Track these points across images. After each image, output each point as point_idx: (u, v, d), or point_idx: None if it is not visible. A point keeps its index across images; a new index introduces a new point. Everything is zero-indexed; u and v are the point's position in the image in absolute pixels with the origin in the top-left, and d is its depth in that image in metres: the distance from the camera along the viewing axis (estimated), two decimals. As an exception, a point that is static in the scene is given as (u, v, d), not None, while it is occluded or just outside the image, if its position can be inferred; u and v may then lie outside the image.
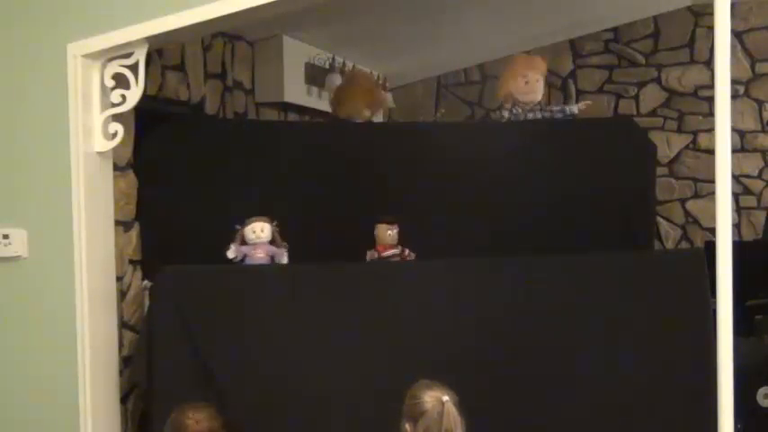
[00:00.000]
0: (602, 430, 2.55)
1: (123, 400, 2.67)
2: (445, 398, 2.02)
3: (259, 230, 2.69)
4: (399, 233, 2.81)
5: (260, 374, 2.53)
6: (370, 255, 2.79)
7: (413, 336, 2.55)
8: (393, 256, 2.77)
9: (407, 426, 2.05)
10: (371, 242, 2.83)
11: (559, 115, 3.35)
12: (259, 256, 2.68)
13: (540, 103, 3.34)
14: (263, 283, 2.65)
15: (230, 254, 2.67)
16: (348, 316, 2.58)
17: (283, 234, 2.76)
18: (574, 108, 3.37)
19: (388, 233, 2.77)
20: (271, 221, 2.70)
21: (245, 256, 2.68)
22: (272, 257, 2.70)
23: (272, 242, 2.71)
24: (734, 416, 2.25)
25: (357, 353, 2.54)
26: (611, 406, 2.53)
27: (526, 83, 3.27)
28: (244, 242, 2.69)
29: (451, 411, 2.00)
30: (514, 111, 3.30)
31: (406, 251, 2.79)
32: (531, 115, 3.29)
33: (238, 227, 2.69)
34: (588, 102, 3.51)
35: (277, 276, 2.69)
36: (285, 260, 2.70)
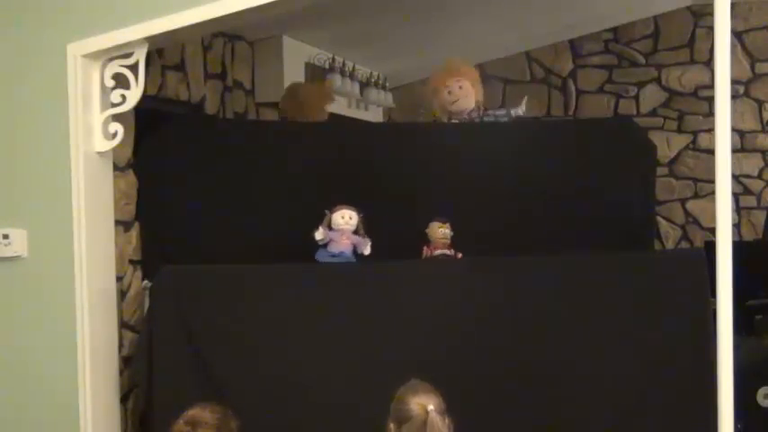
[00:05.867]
0: (602, 430, 2.55)
1: (123, 400, 2.67)
2: (430, 407, 1.97)
3: (348, 217, 2.72)
4: (400, 233, 2.79)
5: (260, 374, 2.53)
6: (425, 251, 2.78)
7: (415, 336, 2.55)
8: (441, 255, 2.75)
9: (392, 426, 2.03)
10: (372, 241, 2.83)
11: (504, 119, 3.27)
12: (344, 242, 2.71)
13: (479, 107, 3.28)
14: (263, 282, 2.65)
15: (318, 235, 2.69)
16: (349, 315, 2.58)
17: (282, 233, 2.76)
18: (519, 110, 3.27)
19: (439, 230, 2.76)
20: (358, 212, 2.73)
21: (330, 240, 2.71)
22: (355, 246, 2.73)
23: (355, 232, 2.74)
24: (734, 416, 2.25)
25: (358, 352, 2.54)
26: (610, 406, 2.53)
27: (449, 93, 3.24)
28: (330, 228, 2.72)
29: (435, 422, 1.96)
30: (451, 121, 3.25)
31: (459, 255, 2.76)
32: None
33: (327, 212, 2.72)
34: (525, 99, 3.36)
35: (277, 276, 2.69)
36: (368, 251, 2.72)
